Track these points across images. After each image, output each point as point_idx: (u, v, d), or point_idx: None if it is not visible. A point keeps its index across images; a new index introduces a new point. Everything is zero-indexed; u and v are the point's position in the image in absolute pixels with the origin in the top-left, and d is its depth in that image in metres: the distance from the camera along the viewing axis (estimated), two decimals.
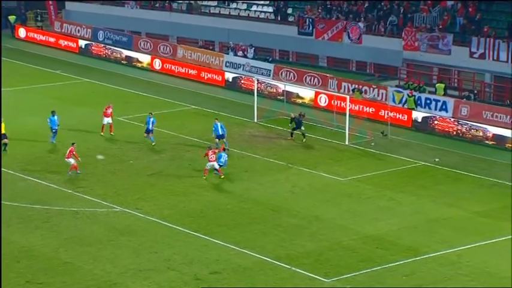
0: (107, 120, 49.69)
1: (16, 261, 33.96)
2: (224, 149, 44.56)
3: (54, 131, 47.39)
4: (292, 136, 49.77)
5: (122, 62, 69.13)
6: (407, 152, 48.42)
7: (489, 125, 50.66)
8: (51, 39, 75.15)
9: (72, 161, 42.77)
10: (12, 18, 78.20)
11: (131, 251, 34.91)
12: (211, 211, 39.41)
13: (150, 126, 47.78)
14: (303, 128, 49.54)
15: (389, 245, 35.69)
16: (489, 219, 38.66)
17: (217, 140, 47.53)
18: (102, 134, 49.66)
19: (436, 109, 53.44)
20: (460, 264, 33.91)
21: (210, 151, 42.70)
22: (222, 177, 42.90)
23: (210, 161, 42.57)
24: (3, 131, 45.55)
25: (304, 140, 49.37)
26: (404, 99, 54.57)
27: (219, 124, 47.84)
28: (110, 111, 49.84)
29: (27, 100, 58.26)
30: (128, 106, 56.24)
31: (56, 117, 47.37)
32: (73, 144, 43.61)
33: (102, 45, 71.54)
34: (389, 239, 36.23)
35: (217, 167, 42.73)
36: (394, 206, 40.35)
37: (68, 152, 43.09)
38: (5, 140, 45.78)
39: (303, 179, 43.82)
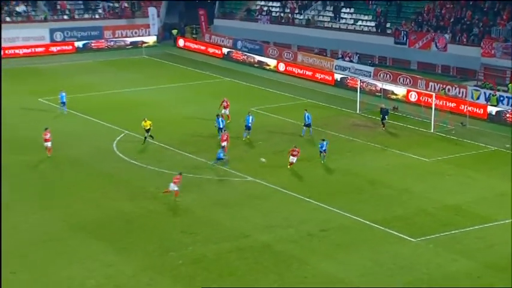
0: (225, 111, 49.67)
1: (174, 216, 35.31)
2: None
3: (218, 129, 45.49)
4: (384, 126, 49.09)
5: (255, 65, 69.76)
6: (482, 139, 47.59)
7: None
8: (202, 47, 76.45)
9: (224, 144, 42.95)
10: (174, 31, 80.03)
11: (259, 212, 35.68)
12: (321, 182, 39.80)
13: (250, 122, 46.51)
14: (386, 117, 49.02)
15: (465, 213, 35.52)
16: None
17: (304, 128, 47.18)
18: (228, 121, 49.20)
19: (508, 104, 52.16)
20: None
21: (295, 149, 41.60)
22: (323, 162, 42.43)
23: (292, 156, 41.22)
24: (148, 127, 44.65)
25: (383, 128, 48.80)
26: (484, 96, 53.70)
27: (306, 114, 47.37)
28: (225, 104, 49.87)
29: (183, 94, 59.51)
30: (258, 99, 56.95)
31: (220, 119, 45.98)
32: (225, 131, 44.54)
33: (240, 52, 72.49)
34: (466, 208, 36.00)
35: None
36: (470, 182, 39.96)
37: (221, 137, 43.63)
38: (147, 133, 44.85)
39: (395, 159, 43.64)
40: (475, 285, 28.80)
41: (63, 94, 52.05)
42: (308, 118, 47.23)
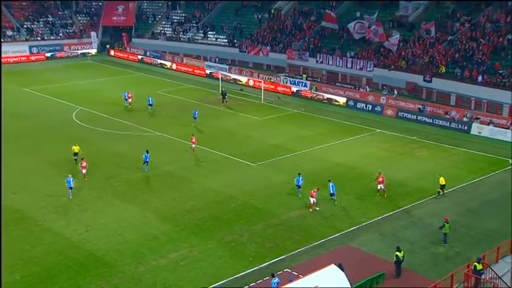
0: (129, 100, 43.60)
1: (113, 158, 33.05)
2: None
3: (145, 162, 30.82)
4: (223, 102, 46.77)
5: (157, 65, 66.33)
6: (289, 106, 47.53)
7: (325, 93, 50.17)
8: (125, 56, 71.37)
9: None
10: (108, 46, 74.48)
11: (164, 152, 34.11)
12: (202, 134, 37.95)
13: (150, 102, 42.74)
14: (226, 96, 47.08)
15: (281, 148, 35.20)
16: (324, 136, 38.45)
17: (150, 107, 42.34)
18: (130, 106, 43.51)
19: (302, 86, 52.45)
20: (309, 157, 33.62)
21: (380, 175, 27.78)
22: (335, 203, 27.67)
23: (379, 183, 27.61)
24: (76, 151, 31.27)
25: (225, 102, 46.36)
26: (289, 81, 53.23)
27: (150, 99, 42.47)
28: (130, 94, 44.06)
29: (111, 84, 55.50)
30: (159, 86, 54.10)
31: (148, 154, 30.96)
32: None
33: (149, 58, 68.47)
34: (280, 146, 35.75)
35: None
36: (283, 131, 39.45)
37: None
38: (75, 157, 31.15)
39: (241, 119, 42.87)
40: (287, 189, 28.87)
41: (150, 98, 42.63)
42: (150, 100, 42.77)
